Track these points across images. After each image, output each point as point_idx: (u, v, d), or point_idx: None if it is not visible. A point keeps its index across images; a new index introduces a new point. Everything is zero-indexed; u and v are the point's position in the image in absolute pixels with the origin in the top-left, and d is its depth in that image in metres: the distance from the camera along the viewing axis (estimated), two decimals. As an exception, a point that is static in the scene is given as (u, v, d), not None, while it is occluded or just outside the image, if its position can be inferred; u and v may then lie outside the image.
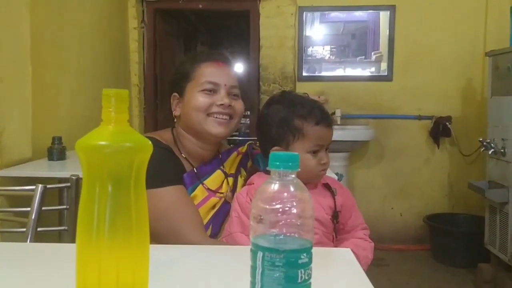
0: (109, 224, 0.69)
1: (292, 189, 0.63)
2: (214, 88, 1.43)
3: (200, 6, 4.32)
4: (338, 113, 4.12)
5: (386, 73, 4.26)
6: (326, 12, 4.45)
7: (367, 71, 4.40)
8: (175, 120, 1.51)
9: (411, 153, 4.24)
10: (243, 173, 1.57)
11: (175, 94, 1.50)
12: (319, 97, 4.24)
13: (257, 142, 1.54)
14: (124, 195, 0.71)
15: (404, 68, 4.20)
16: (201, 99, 1.42)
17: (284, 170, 0.63)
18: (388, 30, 4.23)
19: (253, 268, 0.62)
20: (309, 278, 0.63)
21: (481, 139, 3.26)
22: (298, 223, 0.61)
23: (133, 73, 4.16)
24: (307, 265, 0.62)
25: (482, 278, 3.30)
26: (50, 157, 2.61)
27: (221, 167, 1.51)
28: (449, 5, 4.13)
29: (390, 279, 3.59)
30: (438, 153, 4.22)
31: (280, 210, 0.61)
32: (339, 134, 4.01)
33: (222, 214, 1.43)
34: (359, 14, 4.47)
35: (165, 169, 1.36)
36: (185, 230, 1.30)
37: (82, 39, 3.26)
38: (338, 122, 4.13)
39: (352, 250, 1.40)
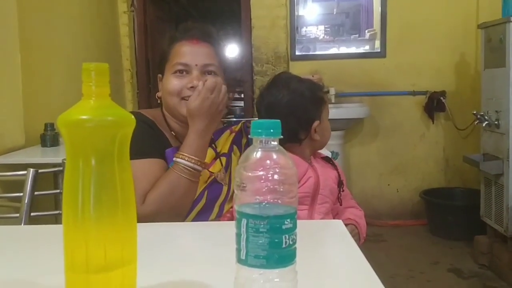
0: (94, 199, 0.69)
1: (275, 156, 0.63)
2: (185, 69, 1.42)
3: (190, -13, 4.29)
4: (332, 91, 4.11)
5: (379, 50, 4.24)
6: None
7: (361, 49, 4.37)
8: (159, 102, 1.52)
9: (406, 129, 4.24)
10: (237, 151, 1.56)
11: (159, 75, 1.50)
12: (313, 76, 4.23)
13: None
14: (108, 169, 0.71)
15: (397, 44, 4.19)
16: (173, 82, 1.41)
17: (266, 137, 0.63)
18: (380, 7, 4.20)
19: (238, 236, 0.62)
20: (294, 243, 0.63)
21: (474, 112, 3.26)
22: (281, 190, 0.61)
23: (125, 58, 4.14)
24: (291, 230, 0.62)
25: (479, 250, 3.32)
26: (44, 144, 2.62)
27: (213, 145, 1.51)
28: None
29: (387, 254, 3.62)
30: (433, 128, 4.22)
31: (263, 177, 0.61)
32: (333, 112, 3.93)
33: (211, 192, 1.42)
34: None
35: (140, 142, 1.36)
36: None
37: (72, 24, 3.23)
38: (333, 101, 4.12)
39: (355, 220, 1.48)
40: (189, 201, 1.36)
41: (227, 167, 1.50)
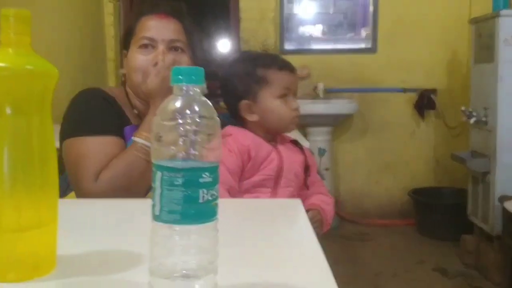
0: (8, 155, 0.63)
1: (195, 105, 0.57)
2: (151, 44, 1.36)
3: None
4: (320, 86, 4.07)
5: (370, 46, 4.19)
6: None
7: (354, 46, 4.31)
8: (123, 79, 1.47)
9: (396, 126, 4.19)
10: None
11: (124, 51, 1.44)
12: (301, 70, 4.18)
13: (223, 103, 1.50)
14: (25, 123, 0.65)
15: (389, 40, 4.13)
16: (137, 58, 1.36)
17: (187, 84, 0.57)
18: (372, 2, 4.15)
19: (154, 190, 0.57)
20: (214, 199, 0.58)
21: (463, 109, 3.21)
22: (200, 141, 0.56)
23: (109, 48, 4.07)
24: (210, 185, 0.57)
25: (465, 249, 3.27)
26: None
27: None
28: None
29: (374, 252, 3.57)
30: (424, 126, 4.17)
31: (180, 127, 0.55)
32: (321, 107, 3.96)
33: None
34: None
35: (97, 119, 1.31)
36: (85, 178, 1.25)
37: (53, 12, 3.18)
38: (321, 96, 4.08)
39: (320, 206, 1.42)
40: (146, 183, 1.30)
41: None
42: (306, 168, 1.43)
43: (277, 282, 0.67)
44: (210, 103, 0.59)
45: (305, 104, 3.96)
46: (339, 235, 3.89)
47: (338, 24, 4.36)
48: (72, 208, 0.98)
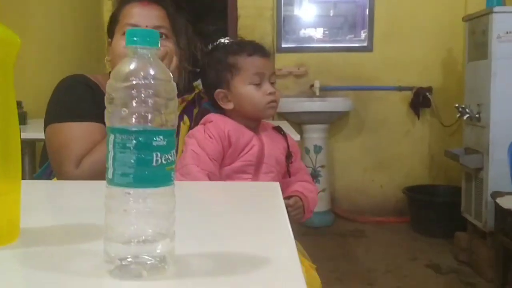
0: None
1: (149, 67, 0.57)
2: None
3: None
4: (316, 84, 4.08)
5: (366, 44, 4.19)
6: None
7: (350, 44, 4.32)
8: (108, 67, 1.48)
9: (392, 124, 4.19)
10: (187, 120, 1.52)
11: (109, 39, 1.45)
12: (298, 68, 4.20)
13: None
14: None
15: (384, 38, 4.14)
16: (122, 44, 1.37)
17: (141, 45, 0.58)
18: (368, 1, 4.16)
19: (108, 153, 0.57)
20: (169, 164, 0.58)
21: (457, 105, 3.22)
22: (153, 103, 0.56)
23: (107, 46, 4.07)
24: (165, 149, 0.57)
25: (458, 246, 3.27)
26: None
27: None
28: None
29: (367, 249, 3.57)
30: (419, 124, 4.17)
31: (133, 88, 0.55)
32: (317, 105, 3.98)
33: None
34: None
35: (79, 105, 1.32)
36: (67, 163, 1.26)
37: (48, 6, 3.19)
38: (317, 94, 4.08)
39: (302, 193, 1.42)
40: None
41: (176, 135, 1.46)
42: (289, 155, 1.44)
43: (236, 251, 0.67)
44: (165, 66, 0.60)
45: (301, 102, 3.99)
46: (334, 232, 3.89)
47: (338, 27, 4.38)
48: (46, 188, 0.99)
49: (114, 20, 1.44)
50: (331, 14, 4.46)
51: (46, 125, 1.37)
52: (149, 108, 0.56)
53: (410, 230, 3.88)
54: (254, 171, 1.36)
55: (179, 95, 1.56)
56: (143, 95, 0.56)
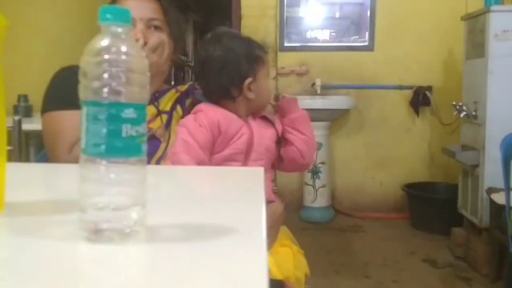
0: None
1: (121, 43, 0.62)
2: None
3: (181, -26, 4.30)
4: (318, 82, 4.11)
5: (367, 43, 4.23)
6: None
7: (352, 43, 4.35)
8: None
9: (392, 123, 4.23)
10: (180, 110, 1.56)
11: None
12: (300, 67, 4.24)
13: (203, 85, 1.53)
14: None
15: (386, 38, 4.18)
16: None
17: (115, 22, 0.62)
18: (369, 1, 4.19)
19: (81, 126, 0.62)
20: (140, 136, 0.62)
21: (454, 103, 3.24)
22: (124, 77, 0.60)
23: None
24: (135, 121, 0.61)
25: (455, 242, 3.30)
26: (16, 115, 2.63)
27: (155, 103, 1.51)
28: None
29: (365, 243, 3.61)
30: (419, 123, 4.20)
31: (105, 63, 0.60)
32: (318, 103, 4.01)
33: (149, 147, 1.42)
34: None
35: (73, 94, 1.36)
36: (61, 149, 1.31)
37: (57, 2, 3.25)
38: (318, 92, 4.12)
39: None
40: None
41: (168, 125, 1.50)
42: (279, 141, 1.48)
43: (206, 222, 0.71)
44: (138, 45, 0.64)
45: (303, 100, 4.01)
46: (333, 227, 3.93)
47: (344, 29, 4.42)
48: (37, 170, 1.03)
49: None
50: (337, 16, 4.51)
51: (42, 113, 1.42)
52: (119, 82, 0.60)
53: (409, 226, 3.92)
54: (244, 158, 1.40)
55: (173, 86, 1.60)
56: (114, 70, 0.60)
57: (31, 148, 2.42)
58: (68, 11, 3.39)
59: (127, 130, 0.61)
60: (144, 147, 0.64)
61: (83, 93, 0.61)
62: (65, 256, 0.60)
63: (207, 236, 0.66)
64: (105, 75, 0.60)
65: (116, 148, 0.61)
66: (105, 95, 0.60)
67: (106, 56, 0.60)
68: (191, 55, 7.24)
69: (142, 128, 0.63)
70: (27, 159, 2.33)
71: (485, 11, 2.98)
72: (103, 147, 0.60)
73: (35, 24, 2.98)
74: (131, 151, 0.62)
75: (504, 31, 2.91)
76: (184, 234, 0.67)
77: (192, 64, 6.71)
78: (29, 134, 2.33)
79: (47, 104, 1.42)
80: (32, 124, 2.35)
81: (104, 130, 0.60)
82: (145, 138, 0.64)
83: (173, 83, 1.67)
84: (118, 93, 0.60)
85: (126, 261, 0.59)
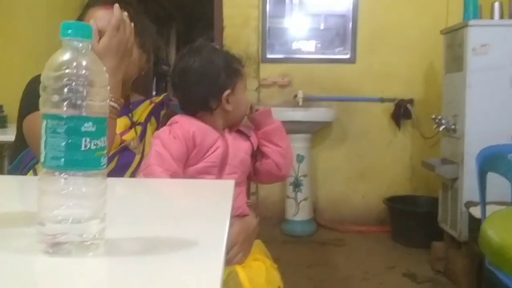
0: None
1: (81, 58, 0.62)
2: (100, 35, 1.41)
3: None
4: (300, 94, 4.13)
5: (349, 56, 4.26)
6: (306, 4, 4.44)
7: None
8: None
9: (374, 135, 4.25)
10: (154, 122, 1.56)
11: None
12: (282, 79, 4.26)
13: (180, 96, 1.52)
14: None
15: (367, 50, 4.21)
16: None
17: (75, 37, 0.62)
18: (351, 12, 4.23)
19: (41, 138, 0.62)
20: (99, 149, 0.62)
21: (433, 116, 3.28)
22: (84, 91, 0.61)
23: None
24: (94, 135, 0.62)
25: (435, 256, 3.31)
26: (-11, 124, 2.62)
27: (129, 114, 1.51)
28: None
29: (346, 257, 3.60)
30: (400, 135, 4.24)
31: (65, 77, 0.60)
32: (300, 114, 4.02)
33: (122, 159, 1.42)
34: (338, 9, 4.44)
35: None
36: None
37: (36, 13, 3.24)
38: (300, 104, 4.14)
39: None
40: (110, 139, 1.33)
41: (142, 136, 1.50)
42: (254, 154, 1.49)
43: (166, 235, 0.71)
44: (98, 59, 0.64)
45: (285, 111, 4.04)
46: (315, 241, 3.93)
47: (329, 40, 4.46)
48: (8, 182, 1.02)
49: None
50: (322, 27, 4.54)
51: (21, 119, 1.41)
52: (78, 96, 0.61)
53: (391, 239, 3.92)
54: (218, 172, 1.40)
55: (147, 96, 1.60)
56: (73, 84, 0.60)
57: (5, 160, 2.40)
58: (46, 22, 3.37)
59: (86, 143, 0.61)
60: (104, 160, 0.64)
61: (43, 107, 0.61)
62: (23, 269, 0.60)
63: (166, 250, 0.66)
64: (65, 89, 0.60)
65: (75, 161, 0.61)
66: (63, 109, 0.60)
67: (67, 71, 0.61)
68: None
69: (101, 142, 0.63)
70: (0, 171, 2.31)
71: (464, 25, 3.02)
72: (62, 160, 0.60)
73: (12, 34, 2.97)
74: (90, 164, 0.62)
75: (482, 45, 2.95)
76: (143, 247, 0.67)
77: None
78: (3, 146, 2.31)
79: (27, 107, 1.40)
80: (6, 136, 2.33)
81: (63, 143, 0.60)
82: (104, 152, 0.64)
83: (154, 93, 1.67)
84: (77, 106, 0.61)
85: (83, 274, 0.59)
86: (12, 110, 2.66)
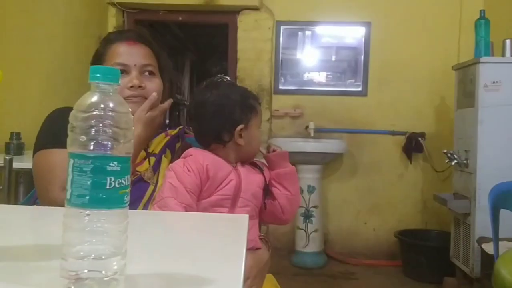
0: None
1: (109, 100, 0.65)
2: (124, 69, 1.44)
3: (180, 18, 4.40)
4: (311, 125, 4.16)
5: (361, 89, 4.30)
6: (318, 36, 4.50)
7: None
8: None
9: (385, 168, 4.25)
10: (169, 154, 1.58)
11: None
12: (294, 110, 4.29)
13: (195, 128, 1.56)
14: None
15: (379, 83, 4.25)
16: None
17: (104, 82, 0.65)
18: (363, 46, 4.28)
19: (67, 177, 0.64)
20: (123, 187, 0.64)
21: (445, 151, 3.28)
22: (110, 132, 0.63)
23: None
24: (119, 174, 0.64)
25: (446, 292, 3.28)
26: (7, 152, 2.66)
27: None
28: (423, 21, 4.21)
29: (356, 291, 3.57)
30: (412, 169, 4.23)
31: (93, 118, 0.62)
32: (311, 146, 4.04)
33: (136, 190, 1.43)
34: (349, 41, 4.50)
35: (65, 133, 1.38)
36: (53, 187, 1.32)
37: (53, 42, 3.31)
38: (312, 135, 4.16)
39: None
40: None
41: (156, 167, 1.52)
42: (266, 188, 1.49)
43: (185, 272, 0.72)
44: (125, 102, 0.67)
45: (296, 142, 4.07)
46: (325, 273, 3.90)
47: (340, 72, 4.50)
48: (26, 213, 1.04)
49: (99, 59, 1.50)
50: (333, 59, 4.59)
51: (34, 153, 1.44)
52: (104, 136, 0.63)
53: (401, 274, 3.89)
54: (231, 205, 1.41)
55: (162, 129, 1.63)
56: (100, 125, 0.63)
57: (20, 186, 2.44)
58: (64, 51, 3.45)
59: (110, 182, 0.63)
60: (127, 198, 0.66)
61: (71, 146, 0.64)
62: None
63: (185, 287, 0.67)
64: (92, 130, 0.63)
65: (100, 199, 0.63)
66: (90, 148, 0.63)
67: (95, 112, 0.63)
68: (186, 94, 7.34)
69: (125, 180, 0.65)
70: (16, 198, 2.34)
71: (475, 62, 3.05)
72: (87, 198, 0.62)
73: (31, 63, 3.03)
74: (114, 202, 0.64)
75: (493, 82, 2.97)
76: (161, 284, 0.68)
77: (187, 102, 6.80)
78: (19, 172, 2.35)
79: (39, 144, 1.44)
80: (23, 163, 2.37)
81: (89, 182, 0.62)
82: (127, 190, 0.66)
83: (167, 121, 1.70)
84: (102, 146, 0.63)
85: (103, 311, 0.61)
86: (29, 137, 2.71)
